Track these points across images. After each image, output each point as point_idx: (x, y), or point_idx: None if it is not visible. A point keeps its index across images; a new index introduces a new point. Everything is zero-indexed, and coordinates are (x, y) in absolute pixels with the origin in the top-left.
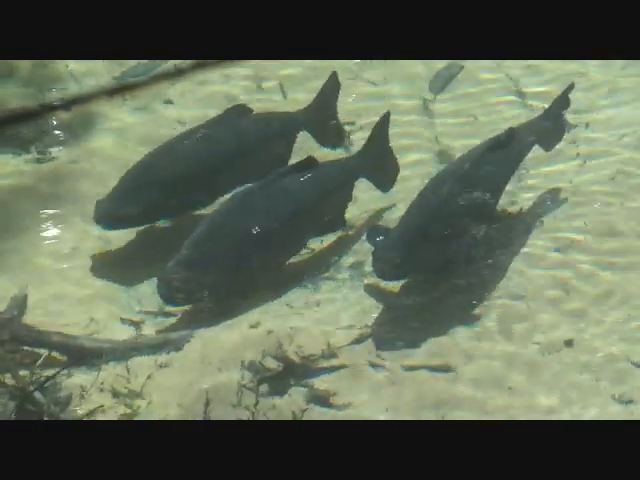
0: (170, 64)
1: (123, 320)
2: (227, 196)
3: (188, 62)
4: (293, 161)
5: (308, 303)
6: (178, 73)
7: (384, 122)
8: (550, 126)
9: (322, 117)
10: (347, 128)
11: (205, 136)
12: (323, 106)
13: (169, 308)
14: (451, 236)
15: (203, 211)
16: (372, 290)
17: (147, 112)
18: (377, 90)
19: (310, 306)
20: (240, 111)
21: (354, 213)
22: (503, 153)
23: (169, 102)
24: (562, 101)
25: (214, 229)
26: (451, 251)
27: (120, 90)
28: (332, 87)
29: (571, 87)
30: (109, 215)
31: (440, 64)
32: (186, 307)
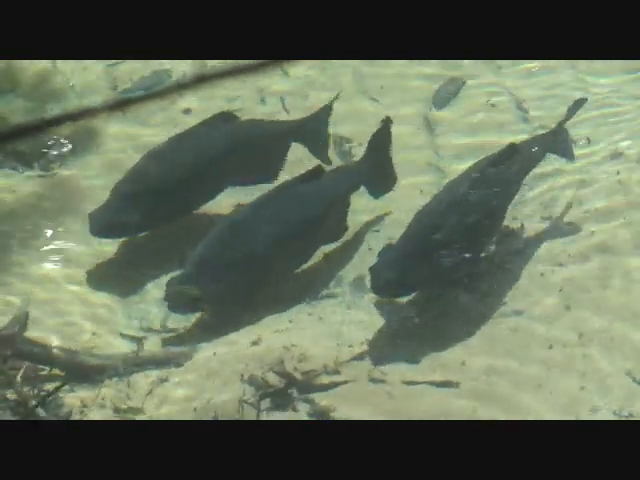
0: (172, 80)
1: (124, 336)
2: (219, 199)
3: (189, 76)
4: (290, 167)
5: (309, 319)
6: (179, 88)
7: (385, 128)
8: (559, 139)
9: (315, 131)
10: (347, 145)
11: (195, 140)
12: (317, 121)
13: (171, 322)
14: (450, 254)
15: (200, 217)
16: (373, 305)
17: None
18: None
19: (311, 322)
20: (226, 118)
21: (353, 226)
22: (505, 169)
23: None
24: (571, 113)
25: (222, 240)
26: (450, 269)
27: (121, 105)
28: (327, 110)
29: (582, 101)
30: (103, 225)
31: (436, 72)
32: (187, 323)
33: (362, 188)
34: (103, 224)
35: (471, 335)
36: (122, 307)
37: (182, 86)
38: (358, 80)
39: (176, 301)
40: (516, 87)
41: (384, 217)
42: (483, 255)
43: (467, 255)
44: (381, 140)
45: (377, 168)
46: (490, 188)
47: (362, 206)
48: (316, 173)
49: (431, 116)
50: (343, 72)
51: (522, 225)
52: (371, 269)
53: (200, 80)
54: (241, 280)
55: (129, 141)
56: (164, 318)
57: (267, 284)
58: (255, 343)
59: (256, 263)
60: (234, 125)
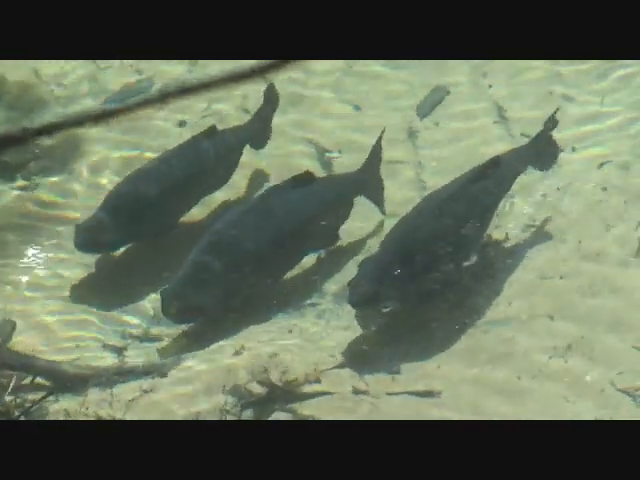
0: (155, 89)
1: (107, 346)
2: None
3: (173, 88)
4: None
5: (292, 329)
6: (162, 98)
7: (379, 141)
8: (540, 150)
9: (262, 132)
10: (326, 155)
11: (176, 158)
12: (262, 120)
13: (154, 332)
14: (430, 265)
15: (185, 225)
16: (355, 316)
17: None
18: (357, 115)
19: (294, 332)
20: (210, 133)
21: (343, 235)
22: (487, 182)
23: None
24: (550, 124)
25: (213, 246)
26: (428, 280)
27: (106, 116)
28: (271, 100)
29: (556, 110)
30: (89, 240)
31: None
32: (170, 332)
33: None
34: (90, 239)
35: (453, 344)
36: (105, 317)
37: (165, 96)
38: (340, 85)
39: (173, 311)
40: (500, 96)
41: (377, 227)
42: (464, 265)
43: (447, 266)
44: (378, 150)
45: (374, 179)
46: (471, 200)
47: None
48: (307, 179)
49: (415, 125)
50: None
51: (506, 235)
52: (349, 283)
53: (184, 91)
54: (233, 288)
55: (113, 150)
56: (147, 328)
57: (254, 291)
58: (238, 352)
59: (246, 270)
60: (219, 139)
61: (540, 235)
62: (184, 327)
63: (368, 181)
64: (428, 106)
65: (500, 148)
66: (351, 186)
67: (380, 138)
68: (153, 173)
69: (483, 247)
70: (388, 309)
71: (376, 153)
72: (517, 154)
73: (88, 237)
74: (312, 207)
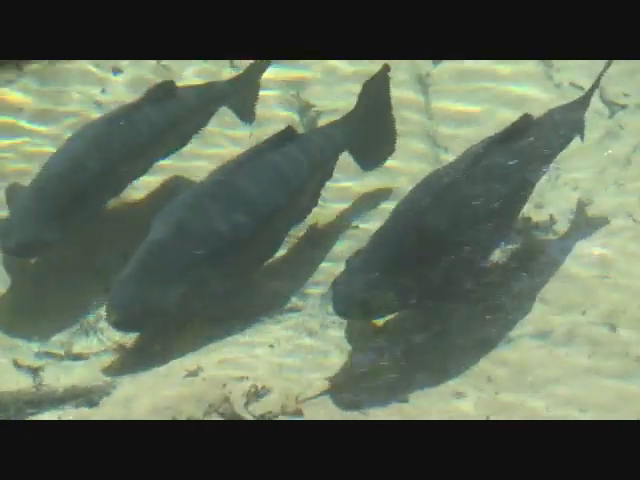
0: None
1: (18, 366)
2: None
3: None
4: None
5: (265, 341)
6: None
7: (381, 77)
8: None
9: (246, 93)
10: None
11: (123, 124)
12: (248, 81)
13: (80, 348)
14: (440, 261)
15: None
16: (344, 325)
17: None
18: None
19: (266, 346)
20: (166, 89)
21: (323, 222)
22: (518, 148)
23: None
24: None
25: (176, 229)
26: (440, 281)
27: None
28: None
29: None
30: (24, 242)
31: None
32: (102, 346)
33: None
34: (20, 243)
35: (475, 365)
36: (16, 330)
37: None
38: None
39: (125, 316)
40: None
41: (370, 205)
42: (486, 263)
43: (466, 261)
44: (377, 92)
45: (370, 129)
46: (498, 174)
47: (339, 189)
48: (288, 136)
49: (425, 74)
50: None
51: (551, 217)
52: (333, 284)
53: None
54: (199, 285)
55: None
56: (69, 342)
57: (219, 290)
58: (192, 374)
59: (215, 261)
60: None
61: (598, 219)
62: (120, 339)
63: (360, 131)
64: None
65: (541, 100)
66: (340, 141)
67: (380, 76)
68: (91, 146)
69: (517, 235)
70: (385, 319)
71: (375, 96)
72: (565, 111)
73: (20, 240)
74: (299, 172)
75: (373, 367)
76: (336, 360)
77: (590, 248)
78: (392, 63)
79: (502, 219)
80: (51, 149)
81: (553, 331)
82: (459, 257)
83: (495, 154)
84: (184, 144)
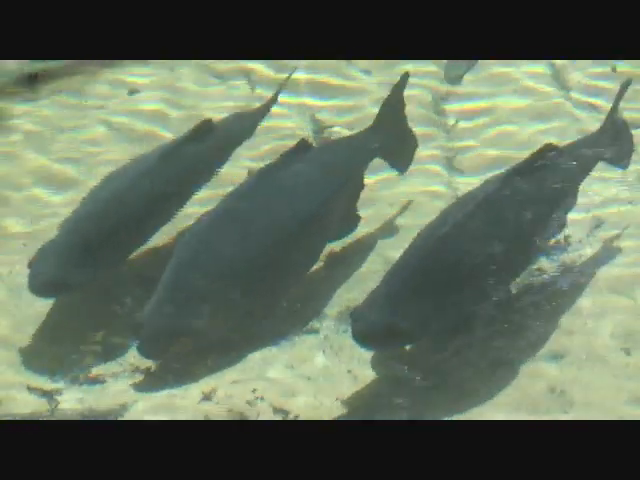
0: None
1: (31, 389)
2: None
3: None
4: None
5: (279, 363)
6: None
7: (401, 86)
8: (614, 136)
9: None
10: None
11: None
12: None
13: (97, 372)
14: (460, 289)
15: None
16: (363, 351)
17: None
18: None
19: (282, 367)
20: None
21: (341, 242)
22: (540, 178)
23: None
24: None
25: (199, 255)
26: (461, 310)
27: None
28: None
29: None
30: (50, 283)
31: None
32: (114, 369)
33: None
34: (46, 283)
35: (500, 394)
36: (29, 351)
37: None
38: None
39: (153, 346)
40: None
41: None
42: (508, 293)
43: (492, 288)
44: (397, 99)
45: (394, 135)
46: (518, 202)
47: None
48: (302, 149)
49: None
50: None
51: (566, 238)
52: (352, 314)
53: None
54: (230, 303)
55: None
56: (86, 365)
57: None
58: (207, 396)
59: (248, 278)
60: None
61: (613, 238)
62: (139, 362)
63: (386, 140)
64: (459, 69)
65: (562, 125)
66: (367, 148)
67: (401, 83)
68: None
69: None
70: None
71: (395, 103)
72: (583, 144)
73: (52, 276)
74: (323, 186)
75: (389, 391)
76: (351, 384)
77: (607, 268)
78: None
79: (524, 250)
80: None
81: (570, 353)
82: (480, 287)
83: (518, 182)
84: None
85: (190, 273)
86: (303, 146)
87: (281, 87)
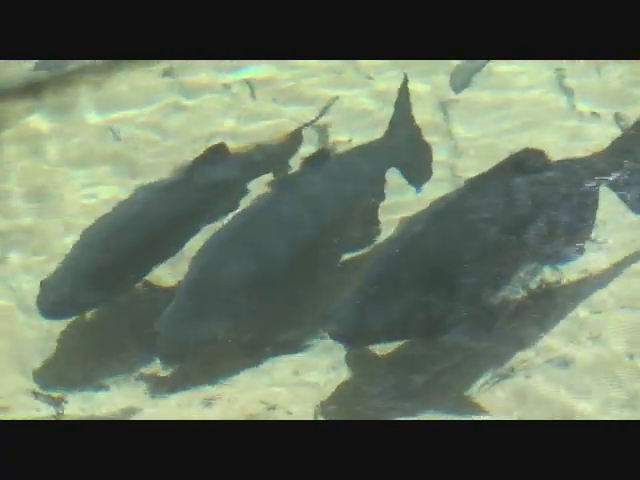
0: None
1: (37, 395)
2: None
3: None
4: None
5: (286, 368)
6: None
7: (404, 91)
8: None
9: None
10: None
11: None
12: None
13: (101, 380)
14: (439, 288)
15: None
16: (366, 353)
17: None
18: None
19: (288, 372)
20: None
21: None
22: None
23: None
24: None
25: (216, 265)
26: (436, 309)
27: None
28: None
29: None
30: (58, 302)
31: None
32: (118, 377)
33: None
34: (55, 302)
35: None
36: (36, 359)
37: None
38: None
39: (170, 351)
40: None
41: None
42: (495, 299)
43: (465, 296)
44: (405, 105)
45: (407, 144)
46: (500, 207)
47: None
48: (321, 158)
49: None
50: None
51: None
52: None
53: None
54: (251, 312)
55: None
56: (91, 371)
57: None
58: (212, 402)
59: (267, 287)
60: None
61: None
62: (144, 369)
63: (401, 148)
64: (464, 76)
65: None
66: (383, 157)
67: (403, 88)
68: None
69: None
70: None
71: (405, 110)
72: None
73: (61, 298)
74: (342, 197)
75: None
76: (357, 389)
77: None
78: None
79: (508, 253)
80: None
81: (575, 360)
82: (460, 289)
83: (500, 183)
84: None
85: (207, 283)
86: (321, 156)
87: (317, 118)
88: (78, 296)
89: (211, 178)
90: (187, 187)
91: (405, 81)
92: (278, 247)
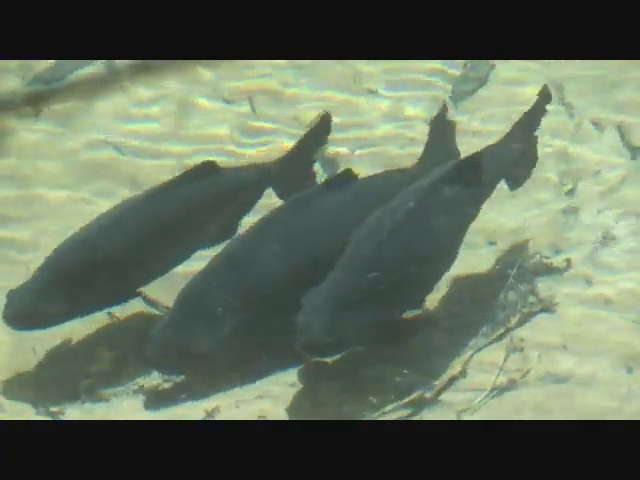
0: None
1: (37, 408)
2: None
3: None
4: None
5: (283, 381)
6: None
7: (442, 114)
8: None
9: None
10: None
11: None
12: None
13: (100, 391)
14: (394, 293)
15: None
16: (368, 365)
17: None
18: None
19: (286, 385)
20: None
21: None
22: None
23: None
24: (536, 113)
25: (215, 277)
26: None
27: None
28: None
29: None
30: (28, 312)
31: None
32: (123, 388)
33: None
34: (28, 311)
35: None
36: (35, 368)
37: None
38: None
39: (163, 358)
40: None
41: None
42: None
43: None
44: (443, 130)
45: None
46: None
47: None
48: (345, 179)
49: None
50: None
51: (568, 261)
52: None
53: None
54: (245, 325)
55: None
56: (90, 384)
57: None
58: (210, 415)
59: (268, 301)
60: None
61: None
62: (142, 381)
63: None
64: (467, 86)
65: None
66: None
67: (441, 112)
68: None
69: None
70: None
71: (442, 131)
72: (496, 152)
73: (26, 308)
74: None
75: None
76: (356, 403)
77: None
78: None
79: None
80: None
81: (573, 375)
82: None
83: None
84: (232, 232)
85: (205, 293)
86: (347, 177)
87: (310, 134)
88: (42, 306)
89: (195, 193)
90: (167, 200)
91: (444, 106)
92: (278, 265)
